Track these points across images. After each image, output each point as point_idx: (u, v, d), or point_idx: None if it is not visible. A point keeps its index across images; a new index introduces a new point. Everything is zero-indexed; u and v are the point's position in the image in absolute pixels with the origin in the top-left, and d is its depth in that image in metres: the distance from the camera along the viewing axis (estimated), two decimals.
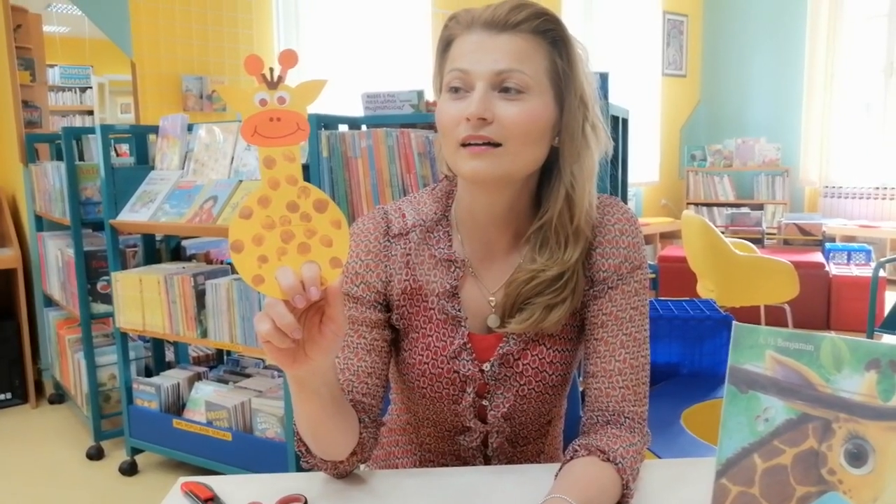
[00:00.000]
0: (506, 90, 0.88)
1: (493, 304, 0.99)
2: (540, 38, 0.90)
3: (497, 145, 0.88)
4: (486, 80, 0.88)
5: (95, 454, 2.84)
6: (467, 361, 0.98)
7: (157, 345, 2.95)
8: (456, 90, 0.90)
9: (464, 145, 0.89)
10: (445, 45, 0.95)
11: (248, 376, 2.71)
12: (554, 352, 0.99)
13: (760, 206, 6.45)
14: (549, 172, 0.96)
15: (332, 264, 0.70)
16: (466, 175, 0.91)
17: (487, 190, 0.94)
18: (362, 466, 0.99)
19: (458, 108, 0.89)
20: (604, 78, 2.13)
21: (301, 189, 0.69)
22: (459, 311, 0.98)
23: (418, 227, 1.01)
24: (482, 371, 0.98)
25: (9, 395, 3.43)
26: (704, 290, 4.01)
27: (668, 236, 6.26)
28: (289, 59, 0.68)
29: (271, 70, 0.68)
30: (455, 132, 0.89)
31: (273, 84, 0.68)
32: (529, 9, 0.89)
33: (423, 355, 0.99)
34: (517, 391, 0.99)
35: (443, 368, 0.98)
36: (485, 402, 1.00)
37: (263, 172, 0.69)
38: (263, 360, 2.88)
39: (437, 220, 1.01)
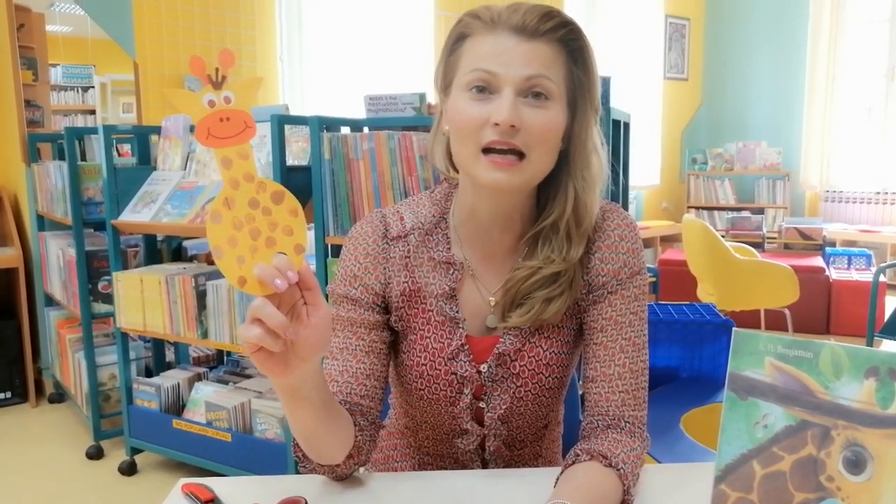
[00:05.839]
0: (534, 96, 0.88)
1: (492, 303, 1.00)
2: (562, 47, 0.91)
3: (521, 156, 0.88)
4: (514, 86, 0.87)
5: (95, 454, 2.84)
6: (465, 362, 0.98)
7: (158, 345, 2.95)
8: (480, 90, 0.89)
9: (485, 152, 0.88)
10: (457, 40, 0.94)
11: (248, 377, 2.72)
12: (550, 354, 0.99)
13: (761, 210, 6.45)
14: (551, 176, 0.96)
15: (296, 251, 0.72)
16: (485, 184, 0.90)
17: (499, 195, 0.94)
18: (361, 469, 0.99)
19: (483, 110, 0.88)
20: (606, 83, 2.13)
21: (258, 185, 0.71)
22: (457, 312, 0.99)
23: (416, 230, 1.01)
24: (479, 372, 0.99)
25: (9, 394, 3.44)
26: (704, 293, 4.01)
27: (669, 240, 6.25)
28: (228, 59, 0.70)
29: (217, 70, 0.69)
30: (478, 136, 0.88)
31: (218, 84, 0.70)
32: (557, 18, 0.90)
33: (420, 357, 0.99)
34: (514, 393, 0.99)
35: (440, 370, 0.99)
36: (482, 405, 1.00)
37: (223, 173, 0.71)
38: None
39: (435, 223, 1.01)
